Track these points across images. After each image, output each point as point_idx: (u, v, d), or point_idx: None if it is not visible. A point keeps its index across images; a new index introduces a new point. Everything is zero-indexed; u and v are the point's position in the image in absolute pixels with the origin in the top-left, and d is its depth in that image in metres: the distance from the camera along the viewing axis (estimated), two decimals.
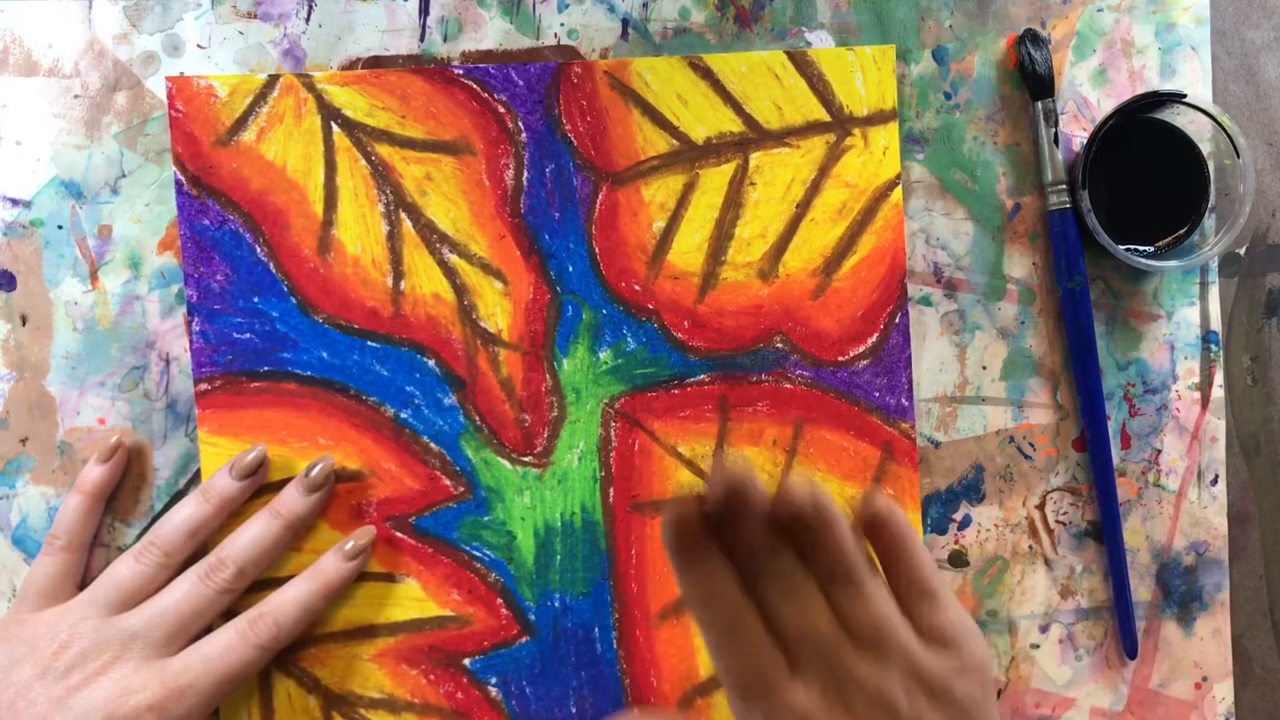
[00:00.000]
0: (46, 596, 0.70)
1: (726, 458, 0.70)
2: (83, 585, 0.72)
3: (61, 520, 0.71)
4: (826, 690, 0.59)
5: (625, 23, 0.74)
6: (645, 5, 0.74)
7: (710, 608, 0.59)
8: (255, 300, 0.72)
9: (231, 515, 0.72)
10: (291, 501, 0.71)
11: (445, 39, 0.74)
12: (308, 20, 0.73)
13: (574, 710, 0.74)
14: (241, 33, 0.73)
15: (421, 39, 0.74)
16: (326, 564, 0.72)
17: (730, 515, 0.58)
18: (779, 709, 0.59)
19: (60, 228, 0.72)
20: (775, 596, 0.60)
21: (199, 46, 0.73)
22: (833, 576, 0.60)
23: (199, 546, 0.71)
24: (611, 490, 0.74)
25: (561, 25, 0.74)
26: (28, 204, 0.72)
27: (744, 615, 0.59)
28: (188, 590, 0.69)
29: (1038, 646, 0.76)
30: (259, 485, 0.73)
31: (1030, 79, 0.74)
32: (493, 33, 0.74)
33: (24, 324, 0.72)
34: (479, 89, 0.73)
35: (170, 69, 0.73)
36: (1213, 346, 0.77)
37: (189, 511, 0.71)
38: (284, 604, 0.70)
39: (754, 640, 0.59)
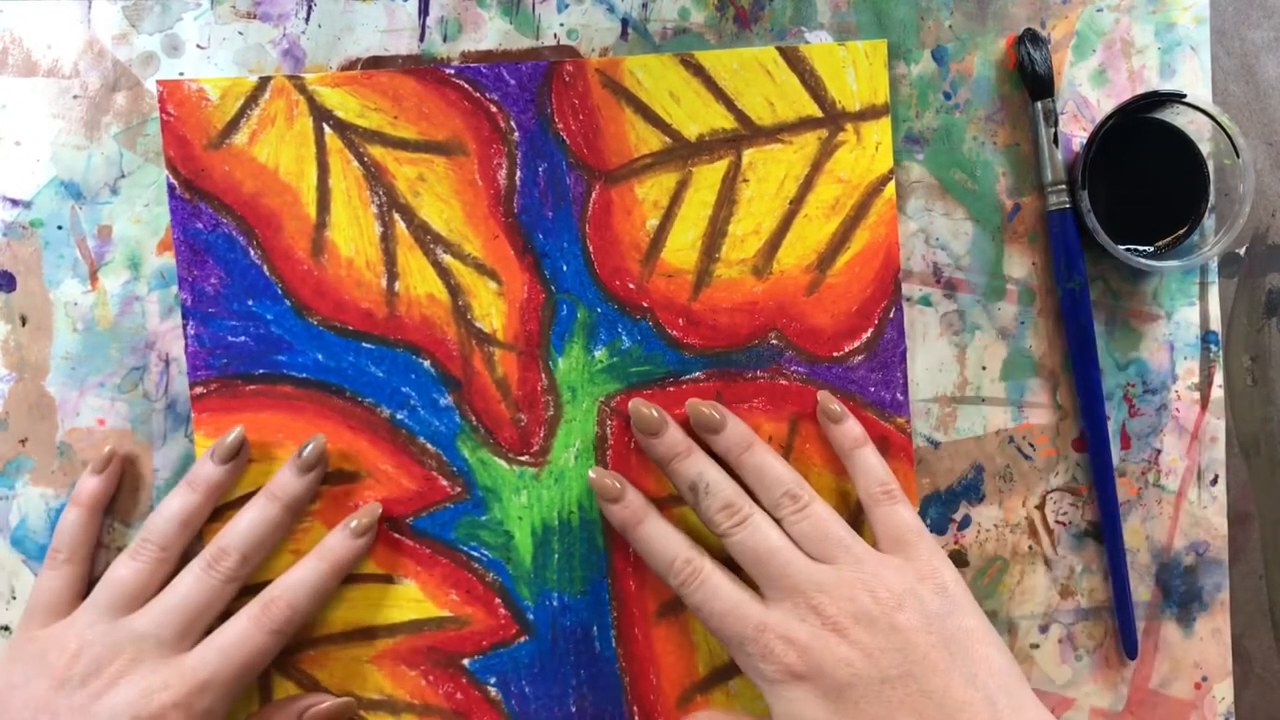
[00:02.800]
0: (52, 611, 0.69)
1: (640, 406, 0.71)
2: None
3: (61, 533, 0.71)
4: (797, 605, 0.63)
5: (625, 23, 0.74)
6: (645, 5, 0.74)
7: (669, 565, 0.67)
8: (250, 303, 0.73)
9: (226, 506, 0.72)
10: (287, 483, 0.71)
11: (445, 39, 0.74)
12: (307, 20, 0.73)
13: (574, 709, 0.74)
14: (241, 33, 0.73)
15: (421, 39, 0.74)
16: (334, 542, 0.71)
17: (655, 452, 0.69)
18: (763, 636, 0.62)
19: (60, 228, 0.73)
20: (728, 530, 0.66)
21: (198, 47, 0.73)
22: (775, 499, 0.66)
23: (192, 537, 0.71)
24: None
25: (561, 25, 0.74)
26: (27, 204, 0.73)
27: (699, 564, 0.66)
28: (192, 583, 0.68)
29: (1037, 646, 0.76)
30: (243, 468, 0.73)
31: (1030, 79, 0.74)
32: (492, 33, 0.74)
33: (24, 324, 0.73)
34: (471, 89, 0.73)
35: (170, 69, 0.73)
36: (1212, 346, 0.76)
37: (177, 503, 0.70)
38: (295, 585, 0.69)
39: (719, 587, 0.66)
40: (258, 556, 0.70)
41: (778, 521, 0.66)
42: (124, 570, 0.69)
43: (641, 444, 0.71)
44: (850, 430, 0.71)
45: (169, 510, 0.70)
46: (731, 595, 0.65)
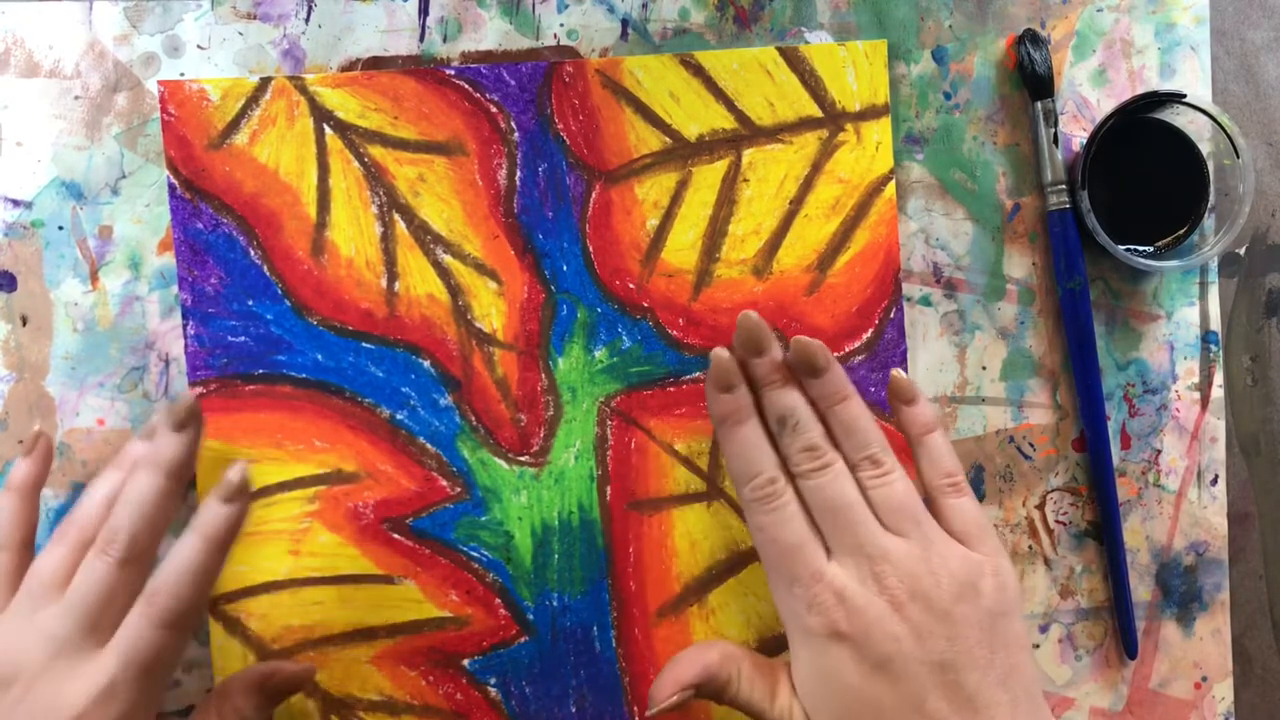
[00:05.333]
0: None
1: (748, 319, 0.68)
2: None
3: None
4: (860, 566, 0.61)
5: (625, 23, 0.74)
6: (645, 5, 0.74)
7: (751, 479, 0.64)
8: (250, 303, 0.73)
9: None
10: (163, 446, 0.65)
11: (445, 39, 0.74)
12: (307, 21, 0.73)
13: (574, 709, 0.74)
14: (241, 33, 0.73)
15: (421, 39, 0.74)
16: (206, 513, 0.65)
17: (754, 372, 0.65)
18: (816, 585, 0.61)
19: (61, 228, 0.73)
20: (807, 472, 0.63)
21: (199, 47, 0.73)
22: (858, 459, 0.64)
23: None
24: (609, 489, 0.74)
25: (561, 26, 0.74)
26: (28, 205, 0.73)
27: (782, 490, 0.63)
28: (89, 572, 0.63)
29: (1037, 646, 0.76)
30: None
31: (1030, 79, 0.74)
32: (492, 33, 0.74)
33: (24, 324, 0.73)
34: (471, 89, 0.73)
35: (170, 70, 0.73)
36: (1212, 346, 0.76)
37: (105, 485, 0.66)
38: (173, 573, 0.63)
39: (791, 519, 0.63)
40: (149, 535, 0.64)
41: (857, 480, 0.64)
42: (44, 559, 0.64)
43: (739, 357, 0.66)
44: (921, 413, 0.67)
45: (97, 493, 0.66)
46: (801, 532, 0.62)
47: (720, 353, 0.64)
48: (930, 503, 0.65)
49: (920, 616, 0.60)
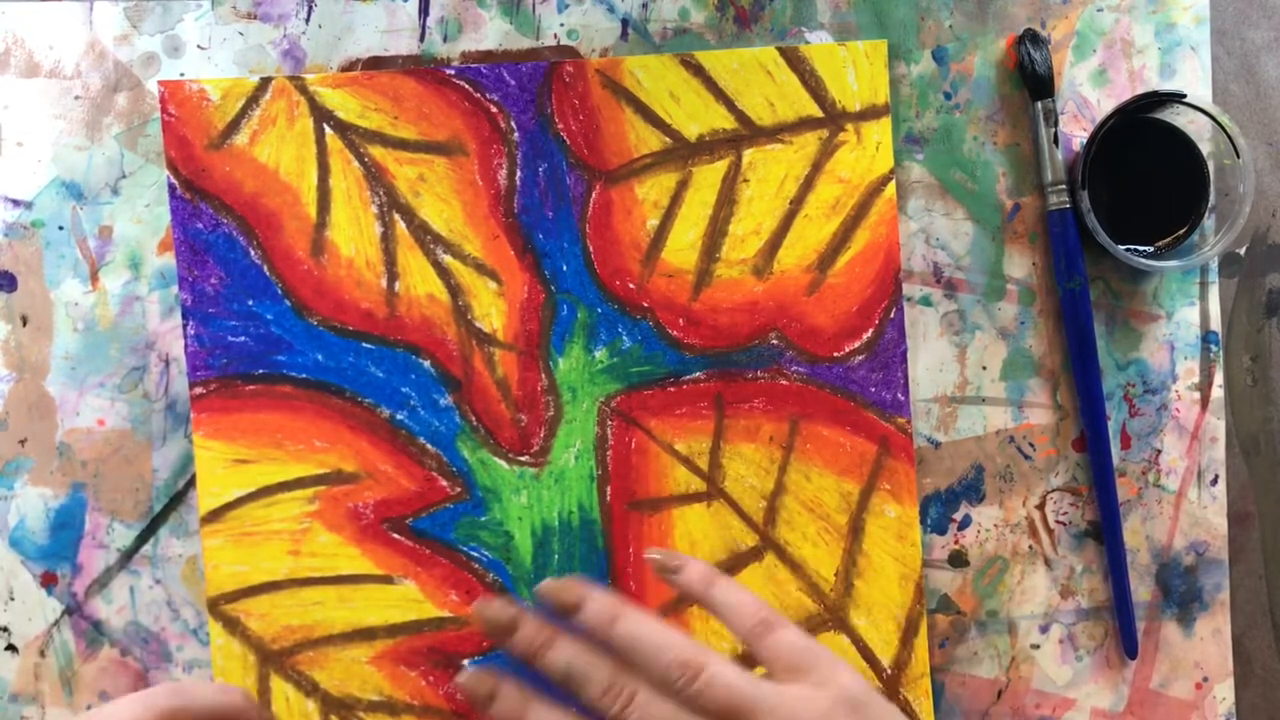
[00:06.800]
0: None
1: (485, 607, 0.66)
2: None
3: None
4: None
5: (625, 23, 0.74)
6: (645, 5, 0.74)
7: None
8: (250, 303, 0.73)
9: None
10: (193, 688, 0.59)
11: (445, 39, 0.74)
12: (307, 21, 0.73)
13: (574, 709, 0.74)
14: (241, 33, 0.73)
15: (421, 39, 0.74)
16: None
17: (513, 651, 0.61)
18: None
19: (61, 228, 0.73)
20: (617, 714, 0.59)
21: (199, 47, 0.73)
22: (662, 668, 0.59)
23: None
24: (609, 489, 0.74)
25: (561, 26, 0.74)
26: (29, 205, 0.73)
27: (631, 690, 0.59)
28: None
29: (1038, 647, 0.76)
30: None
31: (1030, 79, 0.74)
32: (492, 33, 0.74)
33: (24, 324, 0.73)
34: (471, 89, 0.73)
35: (170, 70, 0.73)
36: (1213, 346, 0.76)
37: None
38: None
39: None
40: None
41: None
42: None
43: (493, 643, 0.65)
44: (694, 574, 0.64)
45: None
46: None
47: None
48: (749, 648, 0.61)
49: None
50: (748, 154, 0.74)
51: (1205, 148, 0.74)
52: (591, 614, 0.61)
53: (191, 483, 0.73)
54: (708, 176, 0.74)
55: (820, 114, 0.74)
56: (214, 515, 0.72)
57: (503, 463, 0.74)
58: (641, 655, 0.60)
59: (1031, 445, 0.76)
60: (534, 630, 0.62)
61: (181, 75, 0.73)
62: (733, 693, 0.58)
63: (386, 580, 0.73)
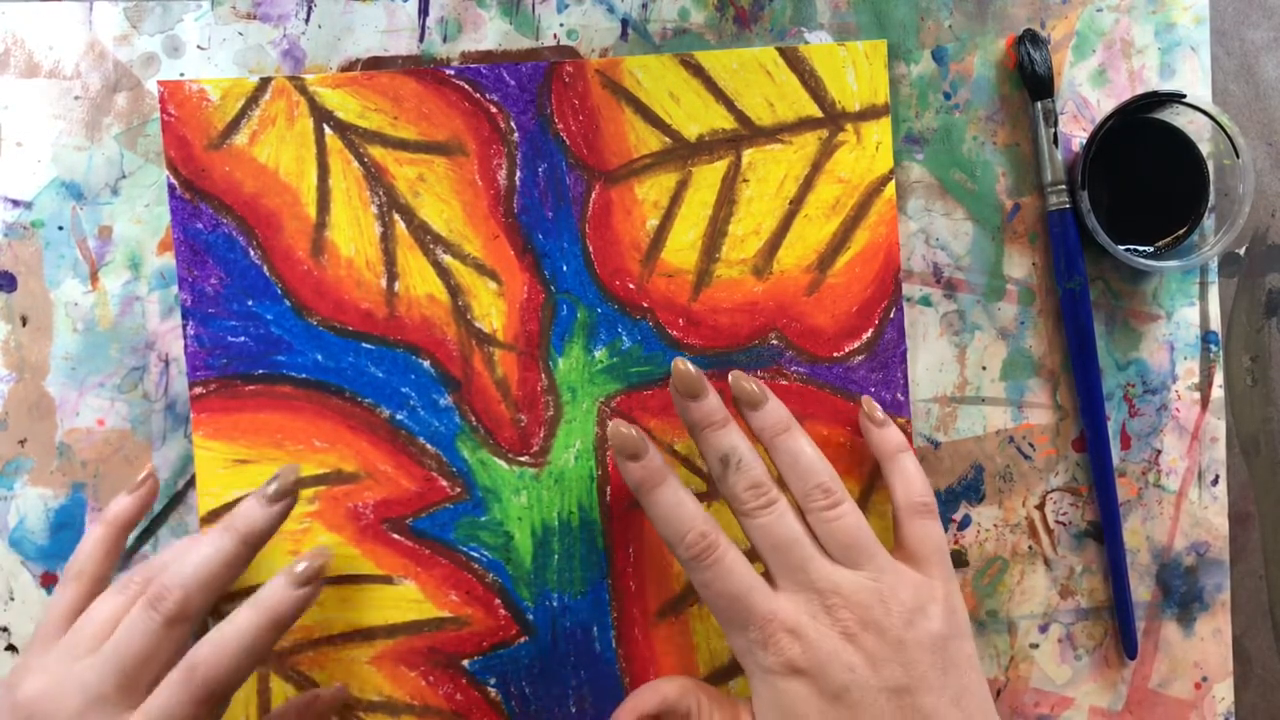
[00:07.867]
0: (49, 635, 0.64)
1: (680, 361, 0.66)
2: None
3: (79, 550, 0.66)
4: (811, 602, 0.62)
5: (625, 23, 0.74)
6: (645, 6, 0.74)
7: (683, 538, 0.63)
8: (249, 303, 0.73)
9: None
10: (250, 514, 0.65)
11: (445, 40, 0.74)
12: (307, 21, 0.73)
13: (574, 710, 0.74)
14: (241, 34, 0.73)
15: (421, 40, 0.74)
16: (272, 592, 0.63)
17: (690, 416, 0.65)
18: (769, 625, 0.61)
19: (61, 229, 0.73)
20: (753, 510, 0.63)
21: (199, 48, 0.73)
22: (806, 490, 0.64)
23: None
24: (609, 489, 0.74)
25: (561, 26, 0.74)
26: (28, 205, 0.73)
27: (715, 542, 0.63)
28: (131, 627, 0.61)
29: (1037, 646, 0.76)
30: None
31: (1030, 79, 0.74)
32: (492, 33, 0.74)
33: (24, 325, 0.73)
34: (471, 89, 0.73)
35: (170, 70, 0.73)
36: (1212, 346, 0.76)
37: (208, 551, 0.64)
38: (219, 646, 0.61)
39: (732, 568, 0.63)
40: (204, 596, 0.62)
41: (804, 513, 0.64)
42: (100, 604, 0.64)
43: (676, 406, 0.66)
44: (891, 436, 0.70)
45: (179, 549, 0.66)
46: (745, 578, 0.62)
47: (611, 424, 0.65)
48: (900, 520, 0.67)
49: (873, 645, 0.60)
50: (747, 154, 0.74)
51: (1205, 148, 0.74)
52: (767, 417, 0.66)
53: (191, 483, 0.73)
54: (707, 177, 0.74)
55: (820, 114, 0.74)
56: (214, 515, 0.72)
57: (502, 463, 0.74)
58: (795, 470, 0.65)
59: (1031, 445, 0.76)
60: (716, 406, 0.65)
61: (181, 75, 0.73)
62: (859, 535, 0.63)
63: (386, 580, 0.73)
